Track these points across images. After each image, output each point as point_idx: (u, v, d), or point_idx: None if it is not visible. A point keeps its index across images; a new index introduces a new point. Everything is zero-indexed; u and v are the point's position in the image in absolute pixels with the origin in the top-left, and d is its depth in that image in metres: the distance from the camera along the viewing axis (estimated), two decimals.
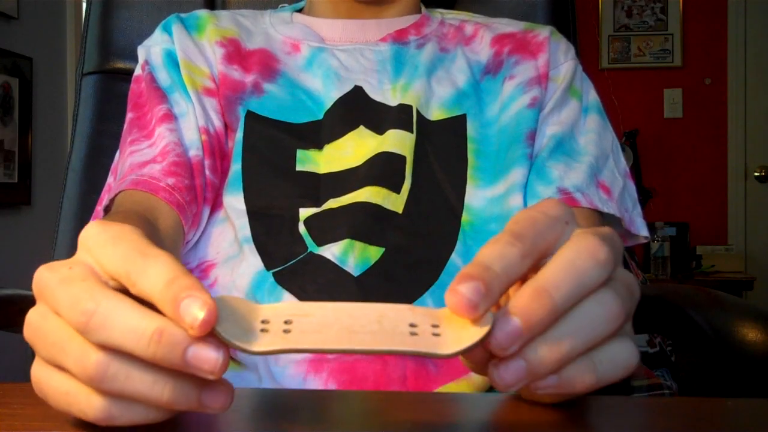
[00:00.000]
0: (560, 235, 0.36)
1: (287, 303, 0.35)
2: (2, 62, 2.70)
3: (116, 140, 0.82)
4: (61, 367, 0.34)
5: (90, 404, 0.33)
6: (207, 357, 0.32)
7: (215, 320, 0.32)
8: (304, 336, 0.33)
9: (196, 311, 0.31)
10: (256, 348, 0.32)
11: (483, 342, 0.32)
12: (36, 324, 0.35)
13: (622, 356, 0.35)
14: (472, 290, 0.32)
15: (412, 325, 0.34)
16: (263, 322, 0.34)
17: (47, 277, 0.35)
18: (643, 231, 0.79)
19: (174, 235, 0.68)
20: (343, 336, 0.33)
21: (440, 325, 0.34)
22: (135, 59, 0.84)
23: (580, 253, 0.34)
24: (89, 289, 0.33)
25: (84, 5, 1.14)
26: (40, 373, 0.35)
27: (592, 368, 0.34)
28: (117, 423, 0.34)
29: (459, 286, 0.33)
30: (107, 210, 0.73)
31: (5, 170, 2.73)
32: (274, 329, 0.33)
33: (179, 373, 0.33)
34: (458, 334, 0.33)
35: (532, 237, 0.35)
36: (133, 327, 0.32)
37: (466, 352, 0.32)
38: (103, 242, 0.35)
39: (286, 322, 0.34)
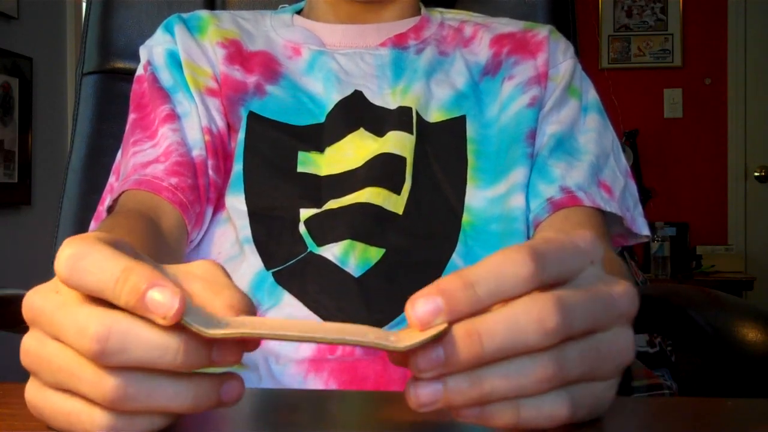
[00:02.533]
0: (580, 271, 0.35)
1: (248, 318, 0.35)
2: (2, 62, 2.70)
3: (116, 140, 0.82)
4: (67, 390, 0.34)
5: (93, 422, 0.33)
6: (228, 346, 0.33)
7: (185, 307, 0.32)
8: (266, 324, 0.33)
9: (168, 300, 0.32)
10: (212, 331, 0.32)
11: (433, 340, 0.32)
12: (35, 350, 0.35)
13: (548, 410, 0.33)
14: (428, 308, 0.32)
15: (367, 333, 0.34)
16: (226, 324, 0.34)
17: (40, 304, 0.34)
18: (644, 230, 0.79)
19: (177, 234, 0.69)
20: (304, 329, 0.33)
21: (395, 336, 0.34)
22: (135, 59, 0.83)
23: (528, 315, 0.32)
24: (93, 315, 0.33)
25: (84, 5, 1.14)
26: (37, 395, 0.35)
27: (514, 413, 0.33)
28: None
29: (420, 300, 0.32)
30: (110, 210, 0.73)
31: (5, 170, 2.73)
32: (235, 324, 0.33)
33: (197, 376, 0.33)
34: (411, 336, 0.33)
35: (552, 264, 0.34)
36: (154, 344, 0.32)
37: (418, 345, 0.32)
38: (64, 257, 0.35)
39: (243, 324, 0.34)
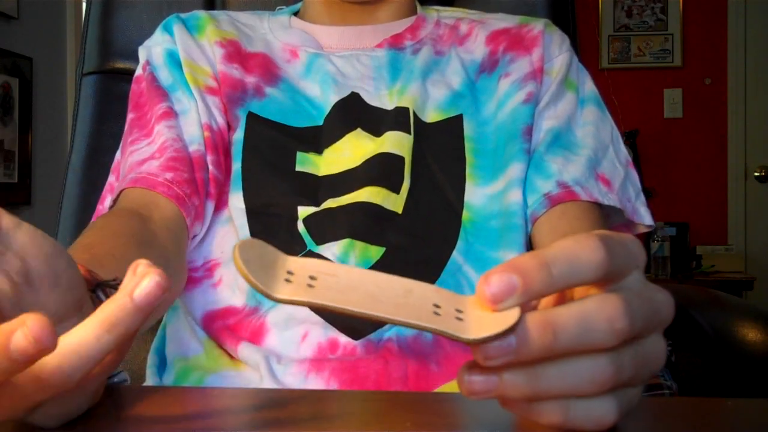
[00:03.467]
0: (629, 273, 0.35)
1: (314, 260, 0.34)
2: (2, 62, 2.70)
3: (116, 140, 0.82)
4: None
5: None
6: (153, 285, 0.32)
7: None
8: (328, 293, 0.31)
9: (22, 342, 0.29)
10: (278, 295, 0.31)
11: (507, 334, 0.31)
12: None
13: (597, 414, 0.33)
14: (503, 284, 0.31)
15: (435, 305, 0.33)
16: (288, 272, 0.32)
17: None
18: (646, 220, 0.78)
19: (174, 228, 0.69)
20: (367, 301, 0.32)
21: (464, 311, 0.33)
22: (135, 59, 0.84)
23: (600, 313, 0.32)
24: None
25: (84, 5, 1.14)
26: None
27: (563, 413, 0.33)
28: None
29: (495, 275, 0.31)
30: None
31: (5, 170, 2.73)
32: (299, 281, 0.32)
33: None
34: (481, 322, 0.32)
35: (618, 255, 0.33)
36: None
37: (487, 341, 0.31)
38: None
39: (311, 277, 0.32)
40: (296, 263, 0.33)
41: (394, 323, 0.31)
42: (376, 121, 0.76)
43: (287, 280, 0.32)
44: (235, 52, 0.80)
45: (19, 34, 2.81)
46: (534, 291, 0.32)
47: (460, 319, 0.32)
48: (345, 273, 0.33)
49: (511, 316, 0.31)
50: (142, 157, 0.73)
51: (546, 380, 0.32)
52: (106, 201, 0.77)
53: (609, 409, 0.34)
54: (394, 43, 0.82)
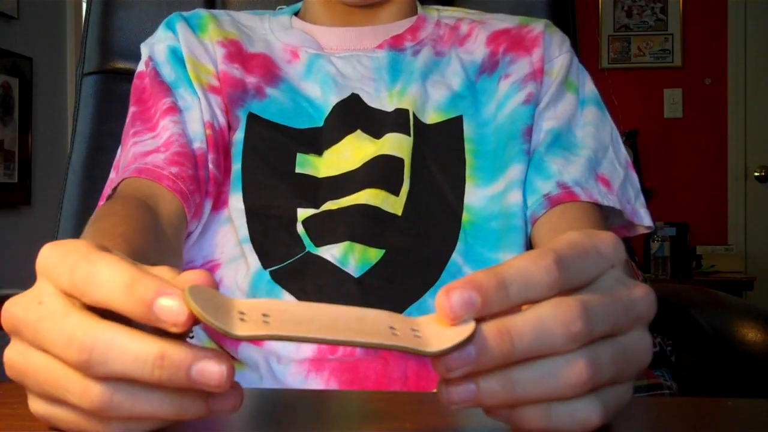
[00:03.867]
0: (601, 275, 0.35)
1: (263, 300, 0.35)
2: (2, 62, 2.70)
3: (116, 140, 0.82)
4: (59, 401, 0.34)
5: (84, 428, 0.34)
6: (211, 372, 0.32)
7: (193, 318, 0.32)
8: (284, 325, 0.32)
9: (175, 309, 0.32)
10: (238, 332, 0.32)
11: (466, 344, 0.32)
12: (19, 363, 0.34)
13: (581, 415, 0.34)
14: (463, 301, 0.32)
15: (391, 327, 0.34)
16: (240, 312, 0.33)
17: (22, 315, 0.34)
18: (646, 221, 0.78)
19: (176, 223, 0.68)
20: (325, 329, 0.32)
21: (419, 330, 0.33)
22: (135, 59, 0.84)
23: (554, 318, 0.32)
24: (79, 324, 0.32)
25: (84, 5, 1.14)
26: (40, 408, 0.35)
27: (545, 417, 0.33)
28: None
29: (456, 291, 0.32)
30: (110, 199, 0.72)
31: (5, 170, 2.73)
32: (253, 319, 0.33)
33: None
34: (438, 337, 0.33)
35: (575, 270, 0.34)
36: (134, 355, 0.32)
37: (448, 353, 0.32)
38: (54, 263, 0.34)
39: (264, 315, 0.33)
40: (245, 304, 0.34)
41: (356, 345, 0.32)
42: (376, 122, 0.76)
43: (242, 320, 0.33)
44: (237, 52, 0.81)
45: (19, 34, 2.81)
46: (490, 309, 0.33)
47: (418, 336, 0.33)
48: (296, 308, 0.34)
49: (466, 328, 0.32)
50: (146, 149, 0.72)
51: (522, 386, 0.33)
52: (107, 193, 0.76)
53: (593, 409, 0.34)
54: (395, 45, 0.82)
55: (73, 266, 0.34)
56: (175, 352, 0.32)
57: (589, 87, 0.82)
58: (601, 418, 0.34)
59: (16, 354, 0.35)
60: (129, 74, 0.83)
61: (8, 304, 0.35)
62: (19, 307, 0.34)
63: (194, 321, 0.32)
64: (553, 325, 0.32)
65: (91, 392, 0.32)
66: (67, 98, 3.10)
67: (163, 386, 0.32)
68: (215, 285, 0.35)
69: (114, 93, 1.05)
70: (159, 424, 0.34)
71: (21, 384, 0.35)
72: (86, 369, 0.32)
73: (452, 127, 0.77)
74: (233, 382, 0.34)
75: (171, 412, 0.33)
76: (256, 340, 0.32)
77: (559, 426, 0.34)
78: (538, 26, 0.82)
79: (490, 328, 0.32)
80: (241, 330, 0.32)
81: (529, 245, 0.74)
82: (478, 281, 0.32)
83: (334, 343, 0.32)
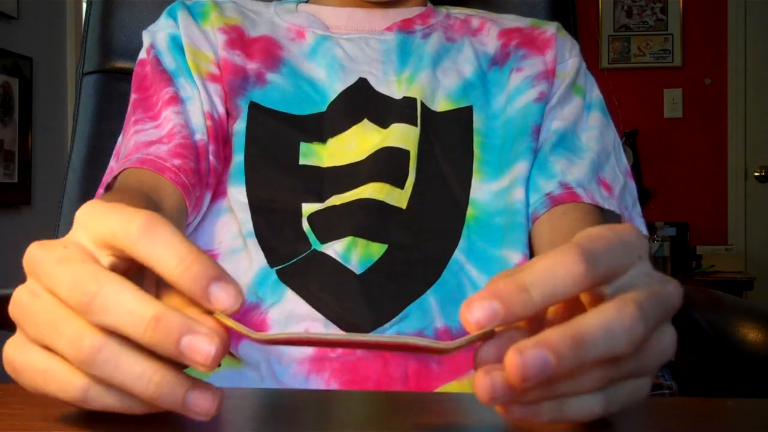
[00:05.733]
0: (630, 267, 0.35)
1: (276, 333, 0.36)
2: (2, 62, 2.70)
3: (116, 140, 0.82)
4: (47, 347, 0.34)
5: (70, 383, 0.33)
6: (201, 348, 0.32)
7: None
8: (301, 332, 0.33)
9: (229, 298, 0.33)
10: (258, 336, 0.32)
11: (481, 338, 0.32)
12: (25, 302, 0.34)
13: (589, 406, 0.34)
14: (485, 312, 0.32)
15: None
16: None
17: (42, 256, 0.34)
18: (642, 230, 0.79)
19: (178, 216, 0.68)
20: (343, 334, 0.33)
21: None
22: (135, 58, 0.83)
23: (621, 322, 0.32)
24: (92, 271, 0.33)
25: (84, 5, 1.14)
26: (16, 350, 0.35)
27: (559, 410, 0.34)
28: (91, 406, 0.34)
29: (476, 303, 0.32)
30: (109, 189, 0.72)
31: (5, 170, 2.73)
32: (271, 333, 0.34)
33: (168, 369, 0.33)
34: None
35: (604, 262, 0.33)
36: (131, 310, 0.32)
37: (464, 346, 0.32)
38: (98, 214, 0.35)
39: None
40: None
41: (376, 344, 0.32)
42: (382, 110, 0.76)
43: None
44: (238, 39, 0.80)
45: (19, 34, 2.81)
46: (515, 316, 0.32)
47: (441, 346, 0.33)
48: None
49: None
50: (149, 138, 0.72)
51: (559, 384, 0.33)
52: (107, 181, 0.75)
53: (597, 401, 0.34)
54: (404, 27, 0.83)
55: (121, 218, 0.34)
56: (171, 317, 0.32)
57: (595, 93, 0.83)
58: (604, 410, 0.34)
59: (24, 293, 0.35)
60: (129, 73, 0.83)
61: (33, 245, 0.36)
62: (43, 248, 0.35)
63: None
64: (618, 330, 0.32)
65: (82, 339, 0.32)
66: (67, 98, 3.09)
67: (151, 354, 0.32)
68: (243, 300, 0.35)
69: (114, 92, 1.05)
70: (122, 403, 0.34)
71: (18, 324, 0.35)
72: (85, 313, 0.32)
73: (462, 117, 0.77)
74: (215, 387, 0.33)
75: (146, 391, 0.32)
76: (277, 343, 0.33)
77: (569, 418, 0.34)
78: (550, 28, 0.83)
79: (560, 332, 0.31)
80: (262, 334, 0.33)
81: (530, 243, 0.75)
82: (497, 289, 0.32)
83: (358, 343, 0.33)
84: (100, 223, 0.35)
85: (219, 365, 0.32)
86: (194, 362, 0.32)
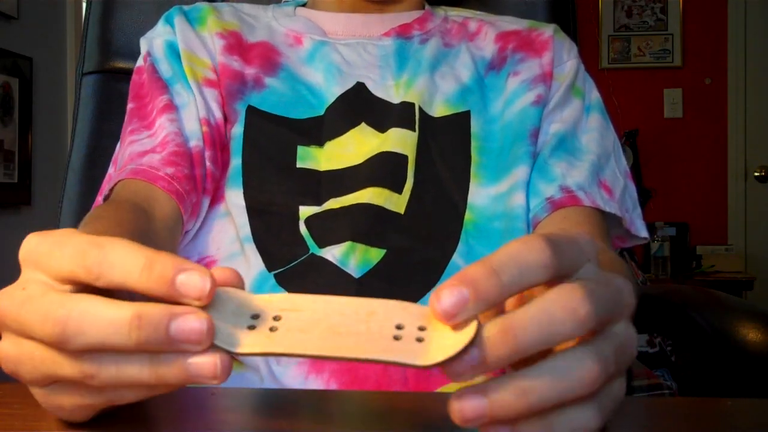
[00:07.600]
0: (581, 267, 0.35)
1: (280, 295, 0.35)
2: (2, 62, 2.70)
3: (116, 140, 0.82)
4: (56, 382, 0.34)
5: (96, 401, 0.34)
6: (191, 327, 0.31)
7: (216, 284, 0.32)
8: (288, 336, 0.33)
9: (197, 281, 0.32)
10: (239, 350, 0.32)
11: (463, 353, 0.31)
12: (13, 355, 0.34)
13: (581, 422, 0.33)
14: (453, 299, 0.31)
15: (398, 327, 0.33)
16: (253, 317, 0.34)
17: (6, 304, 0.34)
18: (642, 232, 0.79)
19: (172, 224, 0.68)
20: (326, 340, 0.32)
21: (427, 328, 0.33)
22: (135, 58, 0.84)
23: (560, 304, 0.32)
24: (56, 300, 0.32)
25: (84, 5, 1.14)
26: (47, 399, 0.35)
27: (547, 429, 0.32)
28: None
29: (445, 290, 0.31)
30: (107, 199, 0.72)
31: (5, 170, 2.73)
32: (261, 327, 0.33)
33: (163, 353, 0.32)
34: (441, 339, 0.32)
35: (565, 254, 0.33)
36: (109, 320, 0.31)
37: (441, 365, 0.31)
38: (47, 251, 0.34)
39: (275, 318, 0.33)
40: (262, 302, 0.34)
41: (351, 360, 0.32)
42: (380, 115, 0.76)
43: (250, 327, 0.33)
44: (236, 44, 0.80)
45: (19, 34, 2.81)
46: (486, 300, 0.31)
47: (420, 339, 0.32)
48: (310, 304, 0.34)
49: (468, 329, 0.31)
50: (143, 148, 0.72)
51: (536, 392, 0.32)
52: (104, 192, 0.76)
53: (591, 414, 0.33)
54: (402, 33, 0.82)
55: (82, 252, 0.33)
56: (151, 310, 0.31)
57: (594, 94, 0.82)
58: (601, 423, 0.33)
59: (8, 346, 0.34)
60: (129, 74, 0.83)
61: None
62: (3, 297, 0.34)
63: (213, 294, 0.32)
64: (559, 312, 0.31)
65: (77, 368, 0.32)
66: (67, 98, 3.09)
67: (142, 349, 0.32)
68: (242, 282, 0.35)
69: (114, 92, 1.05)
70: (145, 393, 0.34)
71: (19, 378, 0.35)
72: (63, 342, 0.32)
73: (460, 122, 0.77)
74: (221, 354, 0.32)
75: (152, 379, 0.32)
76: (256, 356, 0.32)
77: None
78: (547, 30, 0.82)
79: (491, 328, 0.31)
80: (241, 347, 0.32)
81: None
82: (466, 274, 0.32)
83: (331, 360, 0.32)
84: (53, 263, 0.34)
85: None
86: (189, 342, 0.31)
